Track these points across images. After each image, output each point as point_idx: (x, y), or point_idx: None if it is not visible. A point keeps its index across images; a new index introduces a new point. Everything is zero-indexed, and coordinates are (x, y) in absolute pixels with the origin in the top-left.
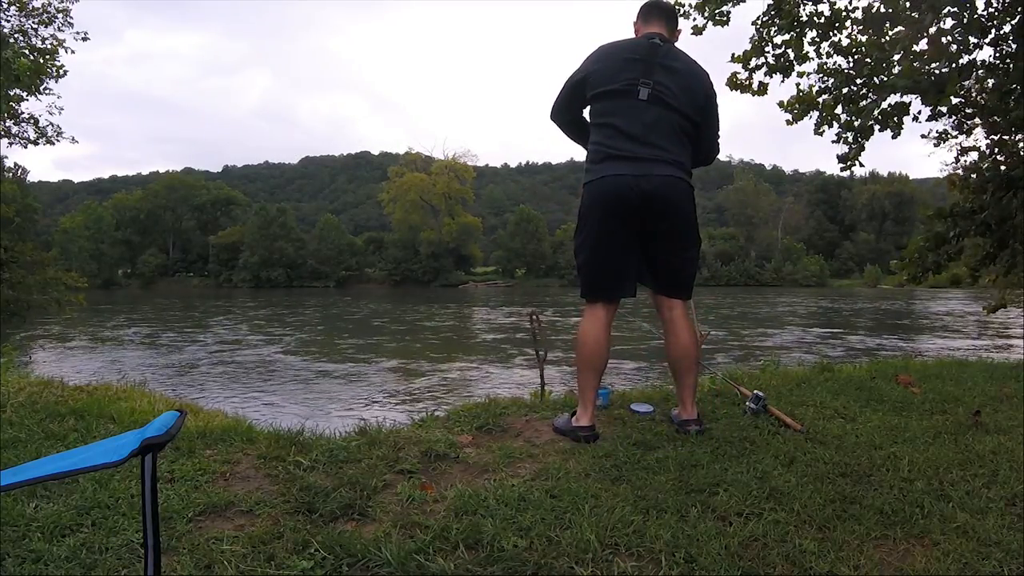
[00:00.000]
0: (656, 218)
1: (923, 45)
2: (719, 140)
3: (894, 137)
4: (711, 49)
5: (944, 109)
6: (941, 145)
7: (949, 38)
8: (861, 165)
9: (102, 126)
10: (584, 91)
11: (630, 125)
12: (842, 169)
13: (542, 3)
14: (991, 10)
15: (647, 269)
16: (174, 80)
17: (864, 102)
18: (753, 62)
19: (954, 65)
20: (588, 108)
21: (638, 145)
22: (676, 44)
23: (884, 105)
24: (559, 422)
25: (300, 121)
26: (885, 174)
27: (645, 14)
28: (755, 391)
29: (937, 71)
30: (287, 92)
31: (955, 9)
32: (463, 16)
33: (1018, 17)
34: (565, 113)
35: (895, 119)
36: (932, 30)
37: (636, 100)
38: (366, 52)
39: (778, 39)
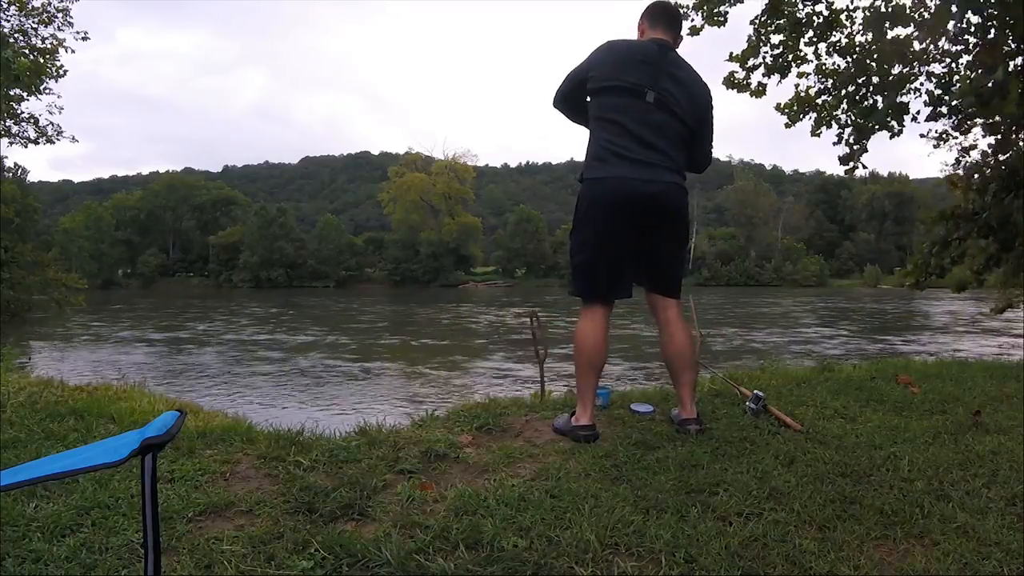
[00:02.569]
0: (658, 221)
1: (918, 45)
2: (712, 151)
3: (892, 137)
4: (709, 47)
5: (944, 109)
6: (941, 145)
7: (951, 41)
8: (864, 167)
9: (95, 126)
10: (586, 83)
11: (638, 127)
12: (846, 172)
13: (542, 2)
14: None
15: (643, 270)
16: (167, 79)
17: (867, 102)
18: (750, 62)
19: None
20: (591, 101)
21: (645, 149)
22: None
23: (884, 104)
24: (559, 422)
25: (299, 121)
26: (885, 174)
27: (653, 18)
28: (755, 391)
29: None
30: (286, 92)
31: (977, 18)
32: (463, 16)
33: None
34: (566, 102)
35: (896, 119)
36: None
37: (644, 102)
38: (365, 52)
39: (775, 39)
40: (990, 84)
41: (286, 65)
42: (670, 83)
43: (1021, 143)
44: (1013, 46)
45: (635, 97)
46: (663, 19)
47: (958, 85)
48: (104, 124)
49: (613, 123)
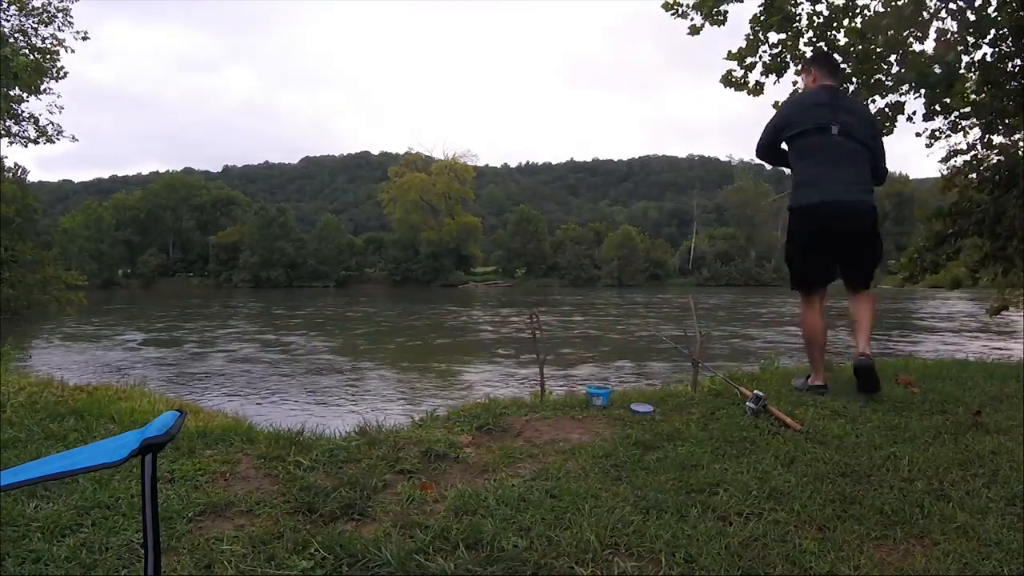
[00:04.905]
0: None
1: (918, 46)
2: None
3: (885, 135)
4: (708, 43)
5: (938, 107)
6: (934, 144)
7: (952, 37)
8: None
9: (87, 125)
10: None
11: (827, 156)
12: None
13: (543, 2)
14: (990, 10)
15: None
16: (156, 78)
17: (862, 101)
18: (748, 60)
19: (959, 62)
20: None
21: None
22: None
23: (881, 104)
24: (798, 383)
25: (299, 121)
26: None
27: (820, 67)
28: (755, 391)
29: (942, 65)
30: (284, 92)
31: (954, 8)
32: (465, 15)
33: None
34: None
35: (890, 118)
36: (932, 29)
37: (830, 135)
38: (365, 51)
39: (774, 38)
40: (937, 69)
41: (283, 64)
42: (847, 116)
43: (1022, 144)
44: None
45: (821, 133)
46: (832, 67)
47: (908, 63)
48: (90, 123)
49: (806, 158)
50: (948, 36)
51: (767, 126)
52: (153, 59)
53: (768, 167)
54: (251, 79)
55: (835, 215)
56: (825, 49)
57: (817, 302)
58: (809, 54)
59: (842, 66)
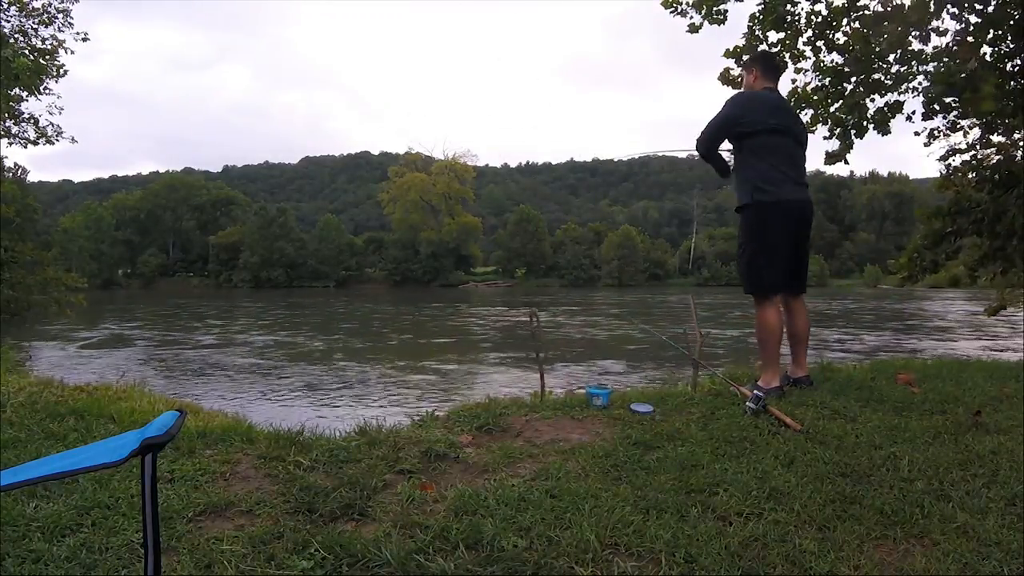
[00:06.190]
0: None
1: (917, 45)
2: None
3: (883, 135)
4: (708, 40)
5: (937, 107)
6: (932, 143)
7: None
8: (846, 163)
9: (80, 125)
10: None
11: (789, 159)
12: (826, 162)
13: (544, 2)
14: (991, 8)
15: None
16: (153, 77)
17: (861, 100)
18: (746, 59)
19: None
20: (746, 141)
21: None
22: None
23: (881, 103)
24: (753, 399)
25: (299, 121)
26: (885, 174)
27: (768, 69)
28: (755, 391)
29: (965, 70)
30: (284, 92)
31: (955, 9)
32: (466, 15)
33: (1018, 15)
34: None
35: (888, 118)
36: (932, 26)
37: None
38: (364, 51)
39: (772, 37)
40: (962, 75)
41: (283, 64)
42: (798, 123)
43: (1022, 144)
44: (991, 49)
45: (781, 135)
46: (775, 71)
47: (932, 74)
48: (97, 124)
49: (772, 155)
50: (965, 39)
51: (718, 121)
52: (149, 58)
53: None
54: (250, 79)
55: (799, 213)
56: (822, 48)
57: (777, 300)
58: (807, 50)
59: (843, 67)
